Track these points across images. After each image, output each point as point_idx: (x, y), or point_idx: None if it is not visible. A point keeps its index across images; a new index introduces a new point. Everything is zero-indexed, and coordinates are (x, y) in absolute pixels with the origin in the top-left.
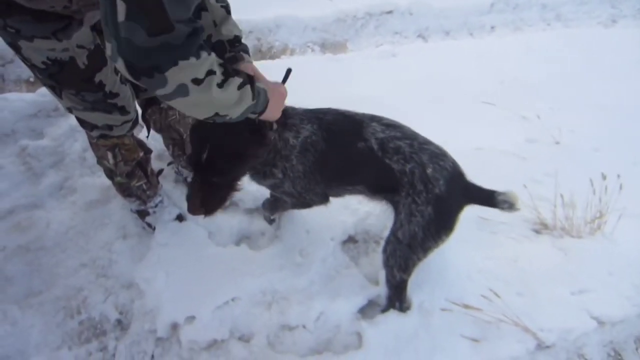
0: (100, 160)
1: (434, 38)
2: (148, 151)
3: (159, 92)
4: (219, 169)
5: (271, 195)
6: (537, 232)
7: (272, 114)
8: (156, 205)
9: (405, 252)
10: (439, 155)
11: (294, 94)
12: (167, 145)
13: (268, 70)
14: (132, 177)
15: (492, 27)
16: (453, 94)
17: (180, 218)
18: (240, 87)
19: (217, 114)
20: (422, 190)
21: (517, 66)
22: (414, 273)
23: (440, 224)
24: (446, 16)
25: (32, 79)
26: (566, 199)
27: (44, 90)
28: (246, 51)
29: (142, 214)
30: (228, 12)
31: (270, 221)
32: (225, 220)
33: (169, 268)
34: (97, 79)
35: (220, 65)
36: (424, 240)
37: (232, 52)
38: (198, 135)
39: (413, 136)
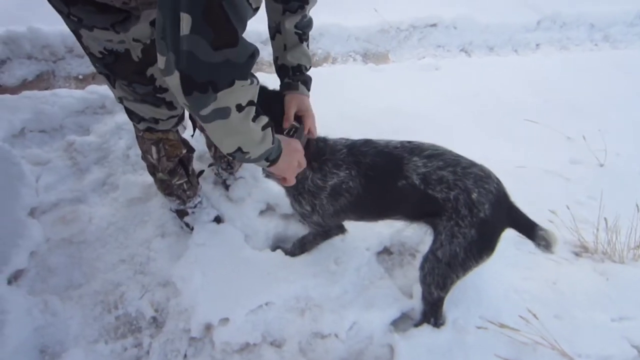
0: (145, 154)
1: (478, 53)
2: (191, 150)
3: (202, 112)
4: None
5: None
6: (578, 254)
7: (283, 166)
8: (195, 206)
9: (444, 270)
10: (483, 178)
11: (333, 99)
12: (209, 147)
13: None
14: (174, 175)
15: (538, 45)
16: (496, 110)
17: (218, 220)
18: (264, 127)
19: (240, 149)
20: (466, 215)
21: (562, 85)
22: (451, 291)
23: (482, 246)
24: (491, 32)
25: (81, 77)
26: (609, 222)
27: (92, 87)
28: (306, 83)
29: (181, 214)
30: (301, 40)
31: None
32: (262, 224)
33: (205, 268)
34: (149, 72)
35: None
36: (464, 260)
37: (290, 79)
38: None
39: (455, 162)
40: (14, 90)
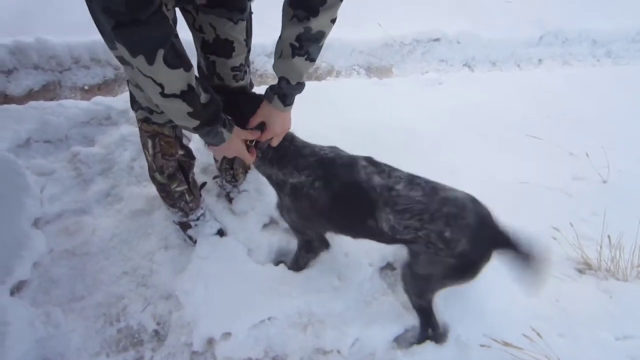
0: (143, 149)
1: (480, 68)
2: (191, 156)
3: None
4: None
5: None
6: (581, 271)
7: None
8: (198, 219)
9: (421, 283)
10: (456, 215)
11: (336, 113)
12: (215, 158)
13: (314, 91)
14: (173, 179)
15: (540, 60)
16: (498, 125)
17: (221, 233)
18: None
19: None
20: (443, 248)
21: (565, 101)
22: (436, 299)
23: (463, 273)
24: (493, 47)
25: (86, 87)
26: (613, 240)
27: (98, 98)
28: (284, 97)
29: (184, 226)
30: (294, 54)
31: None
32: (265, 237)
33: (208, 282)
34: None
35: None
36: (443, 279)
37: (270, 89)
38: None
39: (424, 209)
40: (21, 100)
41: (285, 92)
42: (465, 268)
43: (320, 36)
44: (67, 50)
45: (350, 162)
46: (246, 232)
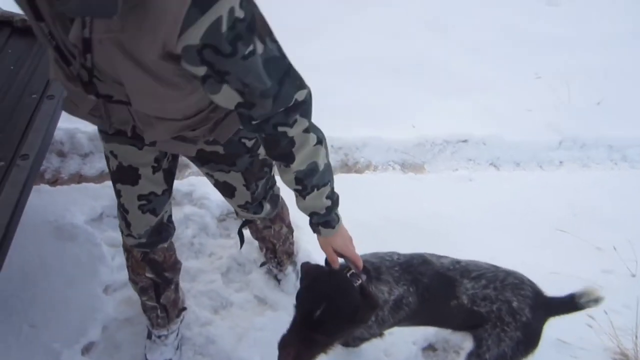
0: None
1: (505, 167)
2: (167, 281)
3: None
4: (329, 330)
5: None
6: None
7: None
8: (159, 337)
9: None
10: (518, 285)
11: (376, 203)
12: (260, 248)
13: (353, 183)
14: (144, 293)
15: (561, 162)
16: (526, 221)
17: None
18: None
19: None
20: (510, 322)
21: (588, 199)
22: None
23: (528, 344)
24: (517, 148)
25: None
26: None
27: None
28: (327, 223)
29: (148, 334)
30: (302, 195)
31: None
32: None
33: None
34: (118, 187)
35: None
36: (512, 357)
37: (310, 226)
38: (315, 291)
39: (495, 277)
40: (94, 179)
41: (323, 220)
42: (530, 339)
43: (314, 166)
44: None
45: (420, 257)
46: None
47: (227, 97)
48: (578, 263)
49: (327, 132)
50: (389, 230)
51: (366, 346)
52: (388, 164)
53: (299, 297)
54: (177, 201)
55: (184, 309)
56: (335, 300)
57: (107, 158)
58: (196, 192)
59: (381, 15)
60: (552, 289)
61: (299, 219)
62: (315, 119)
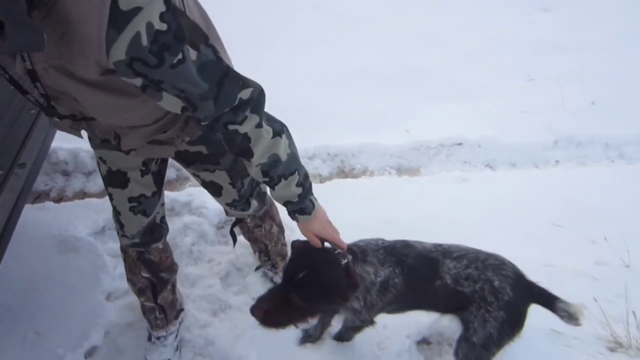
0: None
1: (501, 168)
2: (163, 281)
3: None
4: (306, 294)
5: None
6: (612, 350)
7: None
8: (158, 338)
9: (479, 352)
10: (499, 266)
11: (373, 206)
12: (254, 251)
13: (350, 188)
14: (141, 294)
15: (557, 161)
16: (521, 216)
17: None
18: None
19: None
20: (493, 301)
21: (583, 195)
22: None
23: (512, 324)
24: (513, 149)
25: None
26: (639, 318)
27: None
28: (302, 211)
29: (149, 337)
30: (272, 186)
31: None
32: None
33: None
34: (109, 191)
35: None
36: (499, 339)
37: (289, 214)
38: (301, 260)
39: (476, 257)
40: (98, 195)
41: (297, 208)
42: (513, 319)
43: (276, 157)
44: None
45: (403, 242)
46: None
47: (170, 103)
48: (572, 256)
49: (323, 140)
50: (386, 232)
51: (360, 340)
52: (384, 169)
53: (285, 266)
54: (176, 211)
55: (182, 310)
56: (319, 269)
57: (98, 164)
58: (195, 202)
59: (372, 30)
60: (547, 281)
61: (290, 221)
62: (311, 128)
